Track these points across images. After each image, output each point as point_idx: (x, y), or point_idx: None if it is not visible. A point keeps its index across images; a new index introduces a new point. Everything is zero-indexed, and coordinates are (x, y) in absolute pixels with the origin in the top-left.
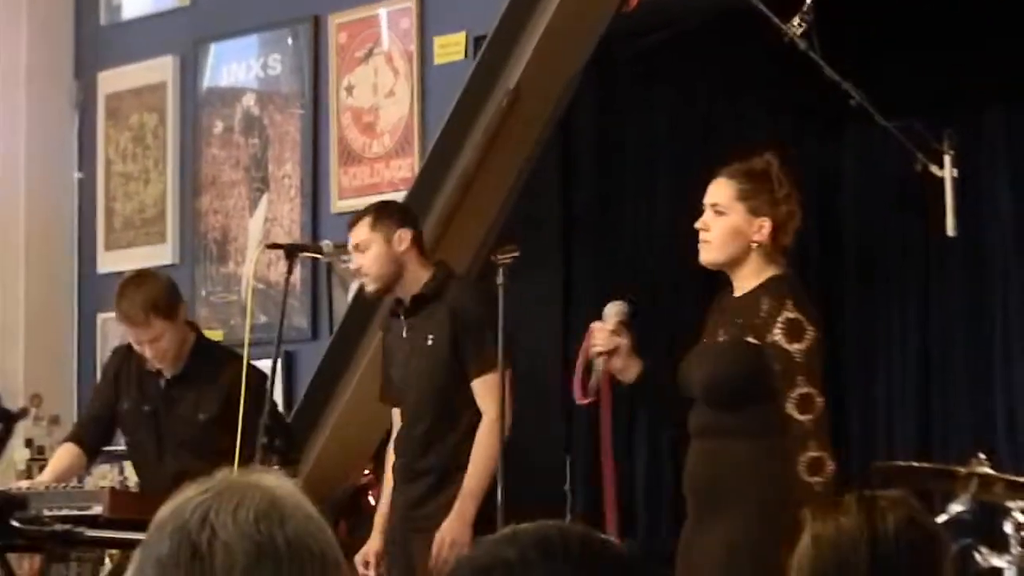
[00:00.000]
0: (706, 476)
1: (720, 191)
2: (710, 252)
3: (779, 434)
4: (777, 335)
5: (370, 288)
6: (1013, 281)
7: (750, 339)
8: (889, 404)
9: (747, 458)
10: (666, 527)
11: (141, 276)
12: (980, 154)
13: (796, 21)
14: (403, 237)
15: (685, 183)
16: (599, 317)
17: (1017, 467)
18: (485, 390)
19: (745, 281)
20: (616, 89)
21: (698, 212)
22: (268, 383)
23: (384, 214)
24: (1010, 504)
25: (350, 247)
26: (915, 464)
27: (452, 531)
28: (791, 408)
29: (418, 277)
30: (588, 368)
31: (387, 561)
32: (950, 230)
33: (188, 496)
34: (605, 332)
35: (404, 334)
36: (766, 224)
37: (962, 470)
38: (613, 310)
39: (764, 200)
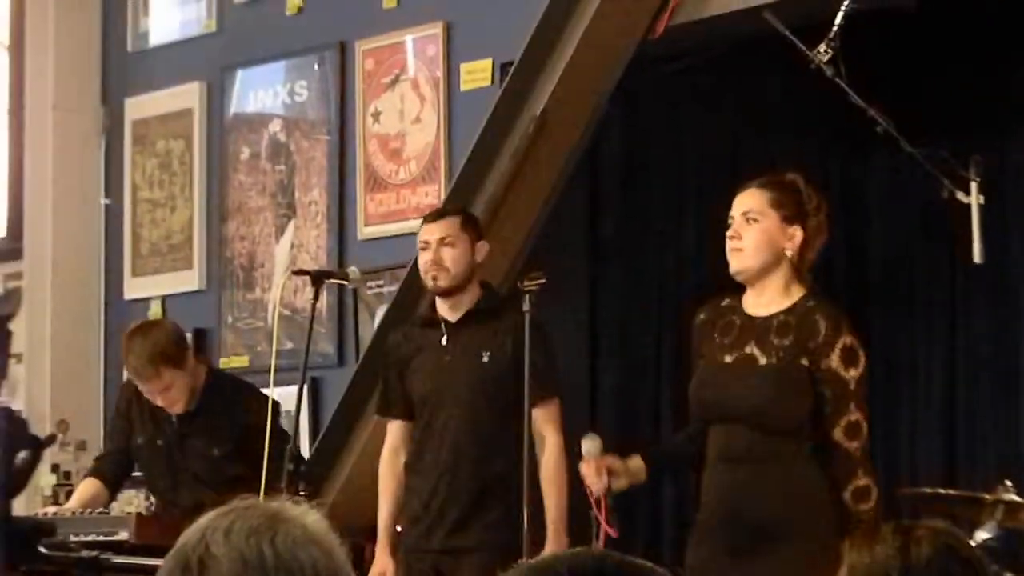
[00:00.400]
0: (747, 505)
1: (752, 199)
2: (743, 260)
3: (826, 462)
4: (835, 361)
5: (441, 284)
6: None
7: (803, 362)
8: (914, 430)
9: (797, 486)
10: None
11: (146, 327)
12: (1006, 181)
13: (823, 48)
14: (483, 249)
15: (712, 208)
16: (625, 342)
17: None
18: (550, 416)
19: (772, 297)
20: (643, 115)
21: (724, 237)
22: (278, 409)
23: (473, 220)
24: None
25: (427, 239)
26: (941, 491)
27: None
28: (839, 435)
29: (474, 293)
30: (602, 503)
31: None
32: (976, 257)
33: (201, 519)
34: (593, 476)
35: (444, 343)
36: (798, 233)
37: (988, 497)
38: (587, 448)
39: (796, 210)
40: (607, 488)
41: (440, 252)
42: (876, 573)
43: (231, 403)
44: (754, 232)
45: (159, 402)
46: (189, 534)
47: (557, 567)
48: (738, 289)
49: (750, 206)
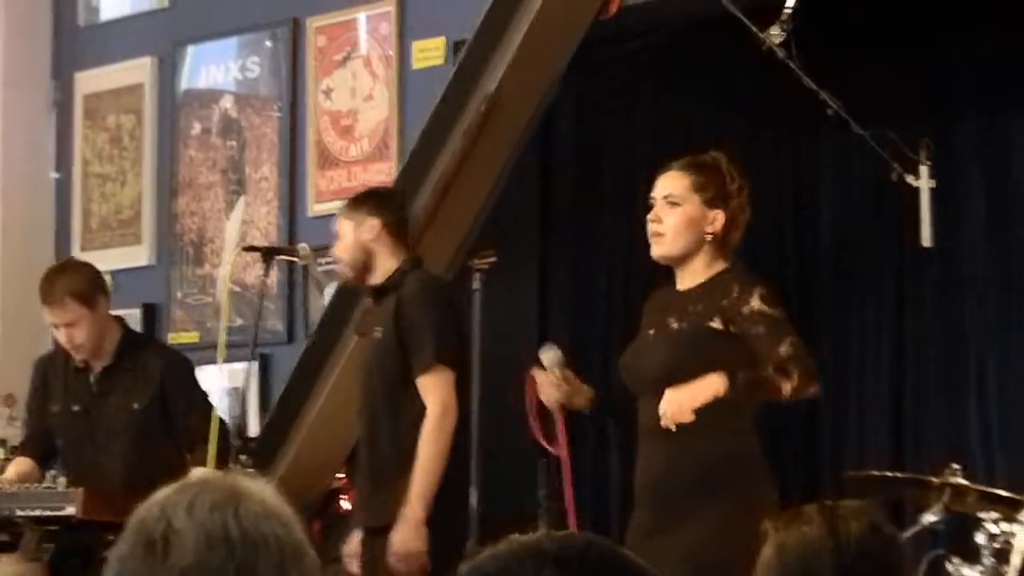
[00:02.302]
0: (659, 478)
1: (673, 182)
2: (664, 245)
3: (741, 431)
4: (755, 303)
5: (343, 274)
6: (987, 292)
7: (714, 324)
8: (862, 413)
9: (711, 458)
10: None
11: (67, 263)
12: (955, 164)
13: (775, 30)
14: (372, 225)
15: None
16: (576, 323)
17: (990, 478)
18: (429, 386)
19: (694, 275)
20: (595, 95)
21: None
22: (193, 370)
23: (357, 203)
24: (982, 515)
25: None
26: (888, 474)
27: (403, 541)
28: (784, 352)
29: (386, 268)
30: (543, 418)
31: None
32: (925, 240)
33: (158, 494)
34: (551, 385)
35: (364, 319)
36: (720, 216)
37: (935, 480)
38: (549, 357)
39: (718, 192)
40: (562, 403)
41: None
42: (809, 553)
43: (148, 358)
44: (675, 216)
45: (62, 338)
46: (147, 510)
47: (546, 545)
48: None
49: (671, 189)
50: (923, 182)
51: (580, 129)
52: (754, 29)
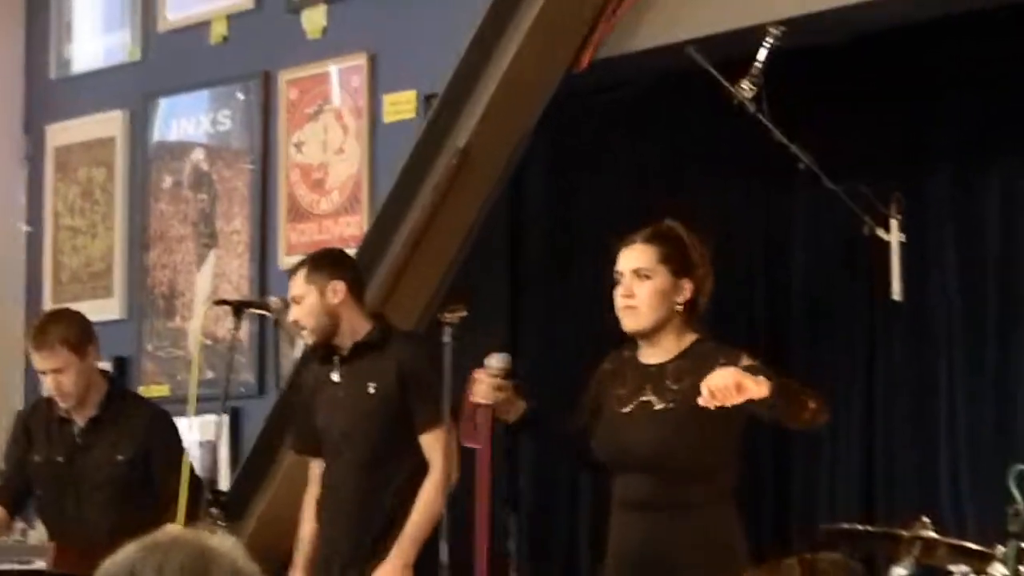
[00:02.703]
0: (647, 554)
1: (640, 255)
2: (639, 318)
3: (726, 501)
4: (745, 362)
5: (307, 340)
6: (958, 346)
7: (701, 401)
8: (833, 467)
9: (700, 535)
10: None
11: (61, 311)
12: (927, 219)
13: (745, 84)
14: (336, 289)
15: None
16: (545, 378)
17: (960, 532)
18: (434, 443)
19: (666, 346)
20: (567, 149)
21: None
22: (176, 429)
23: (318, 265)
24: (952, 568)
25: (289, 299)
26: (859, 527)
27: (388, 573)
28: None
29: (356, 327)
30: (471, 415)
31: None
32: (896, 294)
33: (125, 551)
34: (488, 386)
35: (336, 379)
36: (688, 286)
37: (906, 533)
38: (496, 362)
39: (684, 262)
40: (494, 404)
41: (296, 311)
42: None
43: (133, 411)
44: (647, 289)
45: (50, 384)
46: (115, 569)
47: None
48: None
49: (640, 263)
50: (894, 236)
51: (551, 183)
52: (725, 83)
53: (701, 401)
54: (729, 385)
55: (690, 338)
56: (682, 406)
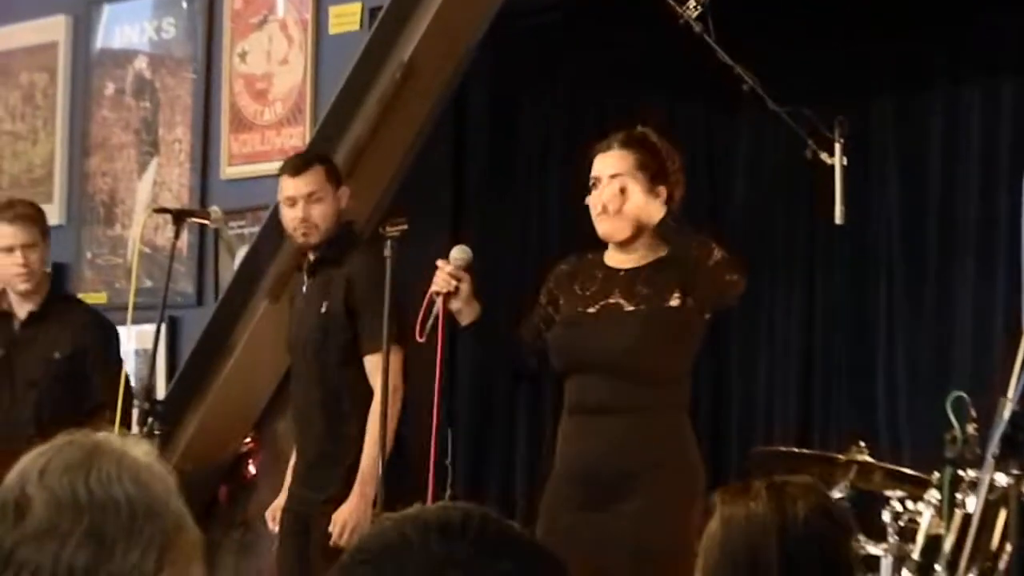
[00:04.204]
0: (604, 457)
1: (618, 162)
2: (616, 223)
3: (683, 409)
4: (717, 254)
5: (313, 240)
6: (897, 272)
7: (672, 303)
8: (770, 390)
9: (658, 440)
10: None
11: (29, 200)
12: (870, 143)
13: (692, 3)
14: (346, 195)
15: (577, 160)
16: (484, 293)
17: (896, 457)
18: (376, 368)
19: (640, 250)
20: (511, 66)
21: (588, 189)
22: (117, 337)
23: (334, 167)
24: (888, 493)
25: (294, 195)
26: (795, 450)
27: (353, 514)
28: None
29: (334, 235)
30: (429, 308)
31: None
32: (838, 218)
33: (24, 458)
34: (445, 273)
35: (304, 292)
36: (663, 191)
37: (841, 458)
38: (457, 253)
39: (660, 169)
40: (448, 293)
41: (309, 209)
42: (754, 530)
43: (73, 311)
44: (632, 195)
45: (16, 261)
46: (11, 475)
47: (424, 518)
48: (599, 245)
49: (617, 169)
50: (837, 160)
51: (495, 100)
52: (671, 2)
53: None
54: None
55: (662, 250)
56: (652, 308)
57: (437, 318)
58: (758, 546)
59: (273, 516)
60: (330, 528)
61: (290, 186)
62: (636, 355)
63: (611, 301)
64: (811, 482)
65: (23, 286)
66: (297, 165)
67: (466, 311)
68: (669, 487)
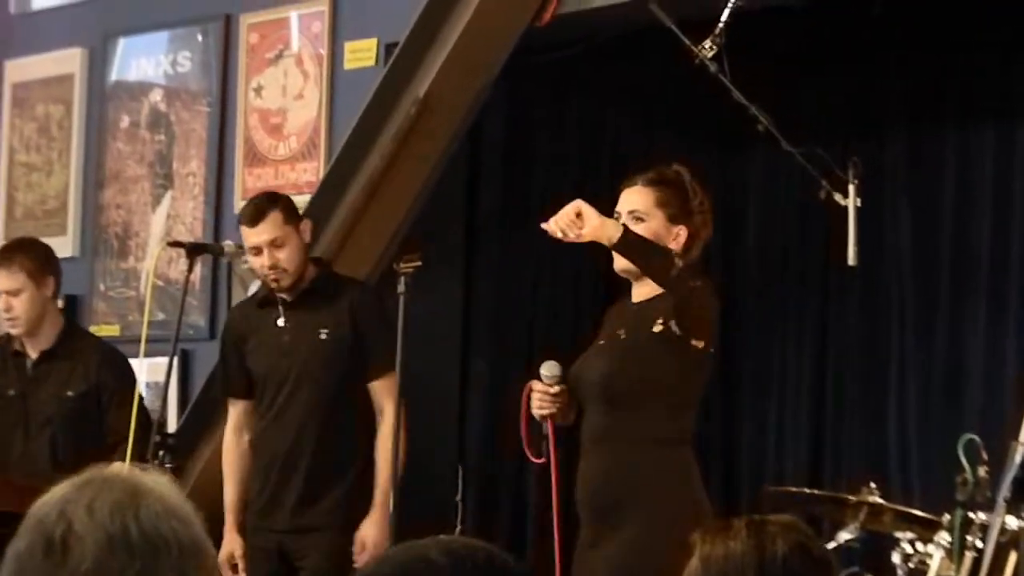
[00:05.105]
0: (597, 489)
1: (638, 198)
2: (618, 257)
3: (677, 443)
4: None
5: (285, 284)
6: (909, 313)
7: (656, 328)
8: (781, 431)
9: (645, 468)
10: None
11: (28, 238)
12: (883, 184)
13: (707, 43)
14: (307, 229)
15: (591, 197)
16: (499, 329)
17: (907, 498)
18: (387, 390)
19: (651, 289)
20: (526, 102)
21: None
22: (133, 374)
23: (290, 205)
24: (898, 535)
25: (257, 243)
26: (806, 490)
27: (374, 532)
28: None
29: (309, 271)
30: (534, 427)
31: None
32: (851, 259)
33: (55, 490)
34: (547, 395)
35: (282, 324)
36: (683, 232)
37: (852, 498)
38: (548, 371)
39: (681, 208)
40: (552, 416)
41: (275, 255)
42: (732, 569)
43: (86, 349)
44: (640, 231)
45: (0, 307)
46: (46, 508)
47: (430, 552)
48: (614, 280)
49: (636, 205)
50: (850, 200)
51: (509, 136)
52: (687, 42)
53: (544, 225)
54: (568, 211)
55: None
56: (636, 334)
57: (546, 438)
58: None
59: (232, 562)
60: (355, 548)
61: (251, 235)
62: (611, 380)
63: (617, 333)
64: (792, 520)
65: (15, 331)
66: (252, 215)
67: (571, 415)
68: (651, 521)
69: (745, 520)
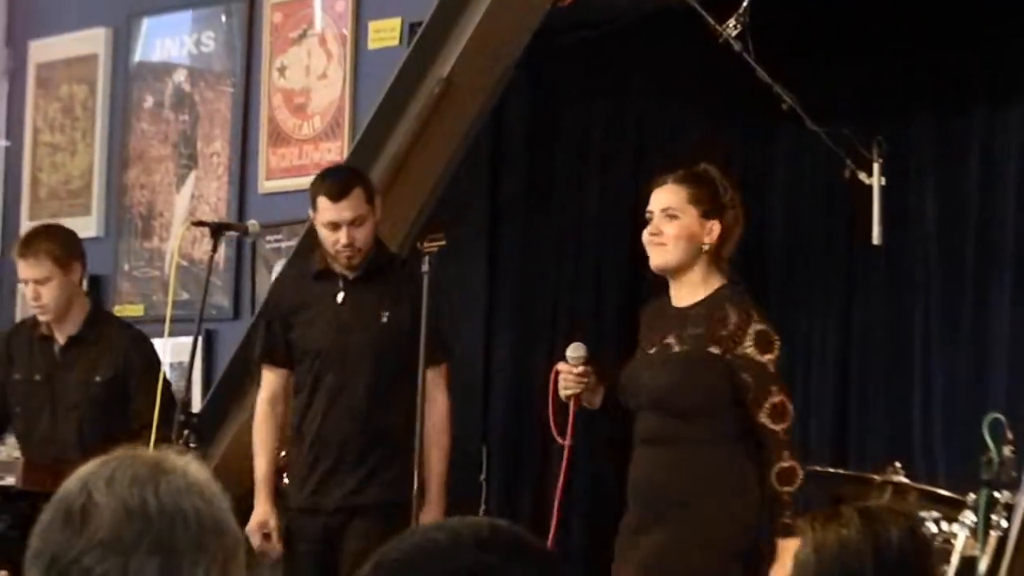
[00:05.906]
0: (659, 482)
1: (671, 195)
2: (665, 256)
3: (739, 442)
4: (748, 347)
5: (356, 262)
6: (934, 292)
7: (713, 350)
8: (806, 410)
9: (704, 468)
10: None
11: (51, 224)
12: (908, 163)
13: (732, 23)
14: (379, 208)
15: (614, 179)
16: (523, 309)
17: (932, 478)
18: (440, 378)
19: (691, 289)
20: (549, 82)
21: (626, 207)
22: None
23: (369, 184)
24: (923, 514)
25: (337, 220)
26: (831, 470)
27: (433, 519)
28: (764, 418)
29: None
30: (562, 410)
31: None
32: (875, 238)
33: (82, 468)
34: (573, 376)
35: (340, 301)
36: (716, 227)
37: (877, 478)
38: (574, 352)
39: (713, 204)
40: (578, 396)
41: (353, 234)
42: (848, 555)
43: (113, 334)
44: (674, 228)
45: (29, 295)
46: (70, 483)
47: (457, 528)
48: (638, 266)
49: (669, 203)
50: (875, 179)
51: (533, 116)
52: (711, 21)
53: None
54: None
55: (716, 283)
56: (694, 352)
57: (569, 417)
58: (853, 571)
59: (265, 532)
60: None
61: (332, 211)
62: (667, 395)
63: (666, 341)
64: (896, 507)
65: (44, 318)
66: (339, 190)
67: (596, 399)
68: (705, 517)
69: (854, 507)
